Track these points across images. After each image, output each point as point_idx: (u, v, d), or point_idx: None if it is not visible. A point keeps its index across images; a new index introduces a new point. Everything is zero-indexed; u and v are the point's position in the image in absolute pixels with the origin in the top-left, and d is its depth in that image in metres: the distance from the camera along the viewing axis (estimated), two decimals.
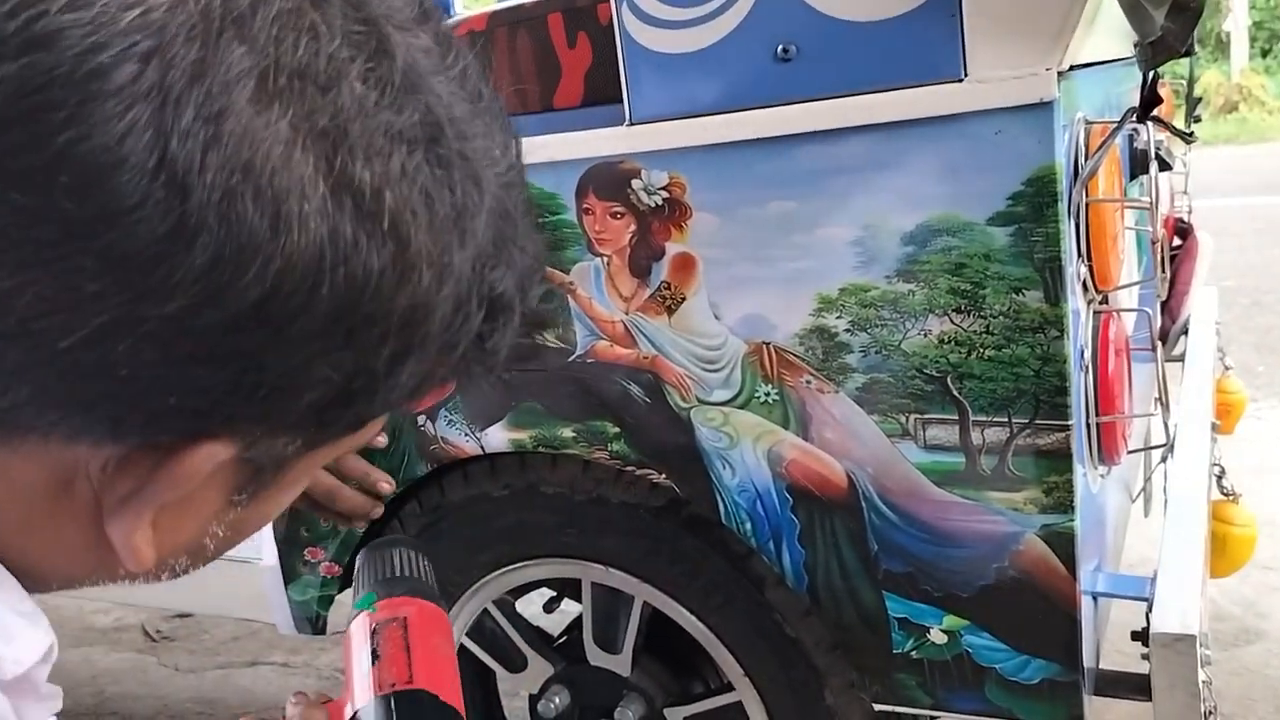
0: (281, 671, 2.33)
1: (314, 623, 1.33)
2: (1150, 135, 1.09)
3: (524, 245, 0.40)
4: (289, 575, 1.32)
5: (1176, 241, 2.00)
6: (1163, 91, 1.93)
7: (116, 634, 2.61)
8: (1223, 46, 13.48)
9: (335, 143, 0.32)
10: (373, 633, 0.58)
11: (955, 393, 0.92)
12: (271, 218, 0.31)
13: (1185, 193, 2.00)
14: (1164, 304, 1.93)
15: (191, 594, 1.52)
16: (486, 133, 0.38)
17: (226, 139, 0.30)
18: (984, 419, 0.92)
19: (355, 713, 0.56)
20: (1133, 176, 1.32)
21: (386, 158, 0.33)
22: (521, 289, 0.40)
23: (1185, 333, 1.84)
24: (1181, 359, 1.73)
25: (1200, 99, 1.92)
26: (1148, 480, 1.52)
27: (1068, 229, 0.88)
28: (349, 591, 1.36)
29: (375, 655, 0.57)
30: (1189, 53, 1.90)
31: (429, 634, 0.59)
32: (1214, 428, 1.53)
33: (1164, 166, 1.33)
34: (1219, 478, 1.50)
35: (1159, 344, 1.05)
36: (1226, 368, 1.91)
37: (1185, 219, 2.01)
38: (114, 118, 0.29)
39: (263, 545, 1.32)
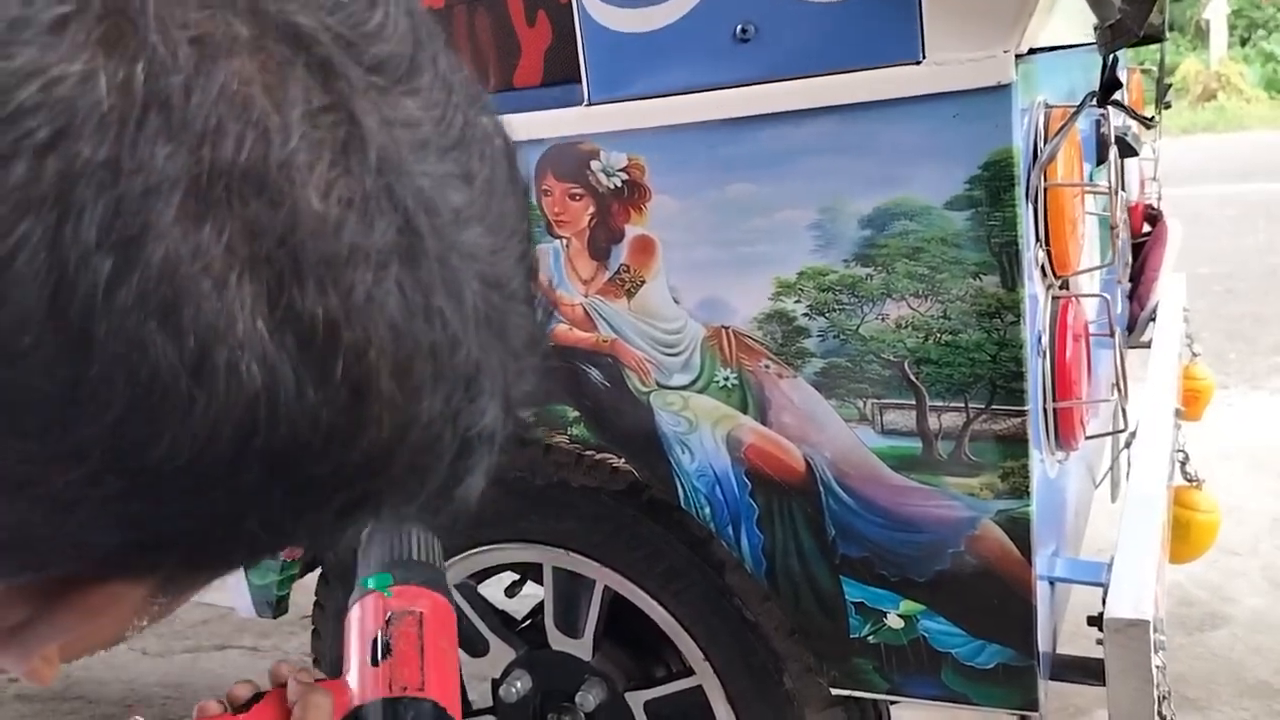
0: (250, 655, 2.32)
1: (274, 606, 1.32)
2: (1113, 121, 1.09)
3: (517, 353, 0.31)
4: None
5: (1146, 228, 2.01)
6: (1134, 78, 1.94)
7: None
8: (1202, 34, 13.54)
9: (283, 271, 0.25)
10: (387, 621, 0.56)
11: (912, 377, 0.92)
12: (193, 370, 0.25)
13: (1155, 179, 2.01)
14: (1132, 291, 1.94)
15: None
16: (482, 214, 0.30)
17: (142, 269, 0.24)
18: (941, 404, 0.91)
19: (361, 709, 0.54)
20: (1099, 162, 1.32)
21: (348, 285, 0.26)
22: (508, 411, 0.32)
23: (1153, 319, 1.85)
24: (1150, 345, 1.74)
25: (1171, 85, 1.93)
26: (1112, 466, 1.53)
27: (1025, 213, 0.87)
28: (311, 576, 1.35)
29: (388, 649, 0.55)
30: (1159, 38, 1.91)
31: (441, 635, 0.58)
32: (1178, 414, 1.54)
33: (1130, 152, 1.33)
34: (1183, 464, 1.51)
35: (1118, 330, 1.04)
36: (1194, 354, 1.92)
37: (1155, 205, 2.01)
38: None
39: None
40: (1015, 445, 0.89)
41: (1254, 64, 13.07)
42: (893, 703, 1.13)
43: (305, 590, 1.35)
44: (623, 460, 1.07)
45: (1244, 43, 13.58)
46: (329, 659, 1.39)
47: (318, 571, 1.35)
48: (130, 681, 2.27)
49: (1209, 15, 13.08)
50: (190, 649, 2.39)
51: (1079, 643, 1.10)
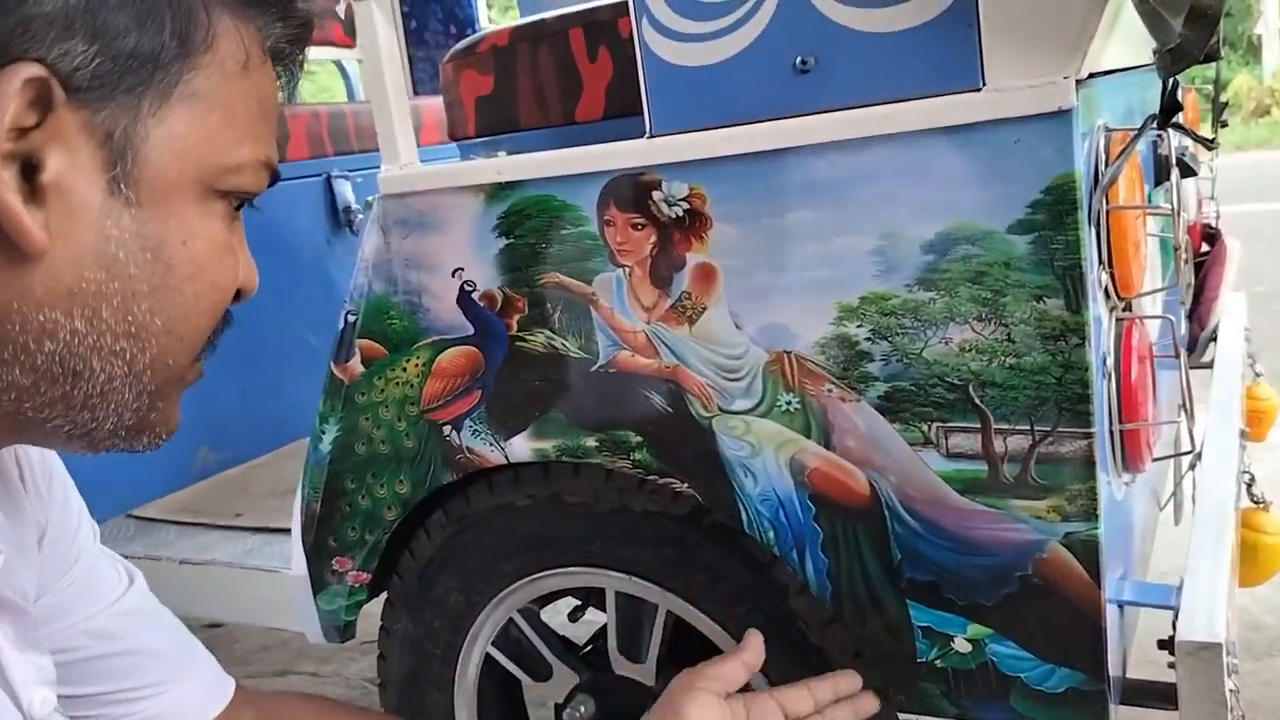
0: (312, 680, 2.35)
1: (342, 631, 1.35)
2: (1173, 142, 1.08)
3: None
4: (317, 584, 1.33)
5: (1205, 248, 1.99)
6: (1189, 97, 1.92)
7: None
8: (1254, 50, 13.34)
9: None
10: None
11: (977, 400, 0.92)
12: None
13: (1212, 198, 1.99)
14: (1192, 311, 1.92)
15: (221, 604, 1.54)
16: None
17: None
18: (1006, 427, 0.91)
19: None
20: (1157, 183, 1.32)
21: None
22: None
23: (1214, 339, 1.82)
24: (1211, 366, 1.72)
25: (1226, 104, 1.91)
26: (1176, 488, 1.51)
27: (1088, 236, 0.88)
28: (377, 600, 1.38)
29: None
30: (1215, 57, 1.89)
31: None
32: (1243, 434, 1.51)
33: (1188, 173, 1.32)
34: (1249, 485, 1.48)
35: (1182, 350, 1.04)
36: (1257, 374, 1.90)
37: (1213, 225, 1.99)
38: None
39: (291, 554, 1.34)
40: (1082, 467, 0.89)
41: None
42: None
43: (370, 616, 1.37)
44: (685, 485, 1.08)
45: None
46: (394, 684, 1.41)
47: (383, 596, 1.38)
48: None
49: (1260, 30, 12.89)
50: (253, 674, 2.42)
51: (1146, 668, 1.09)
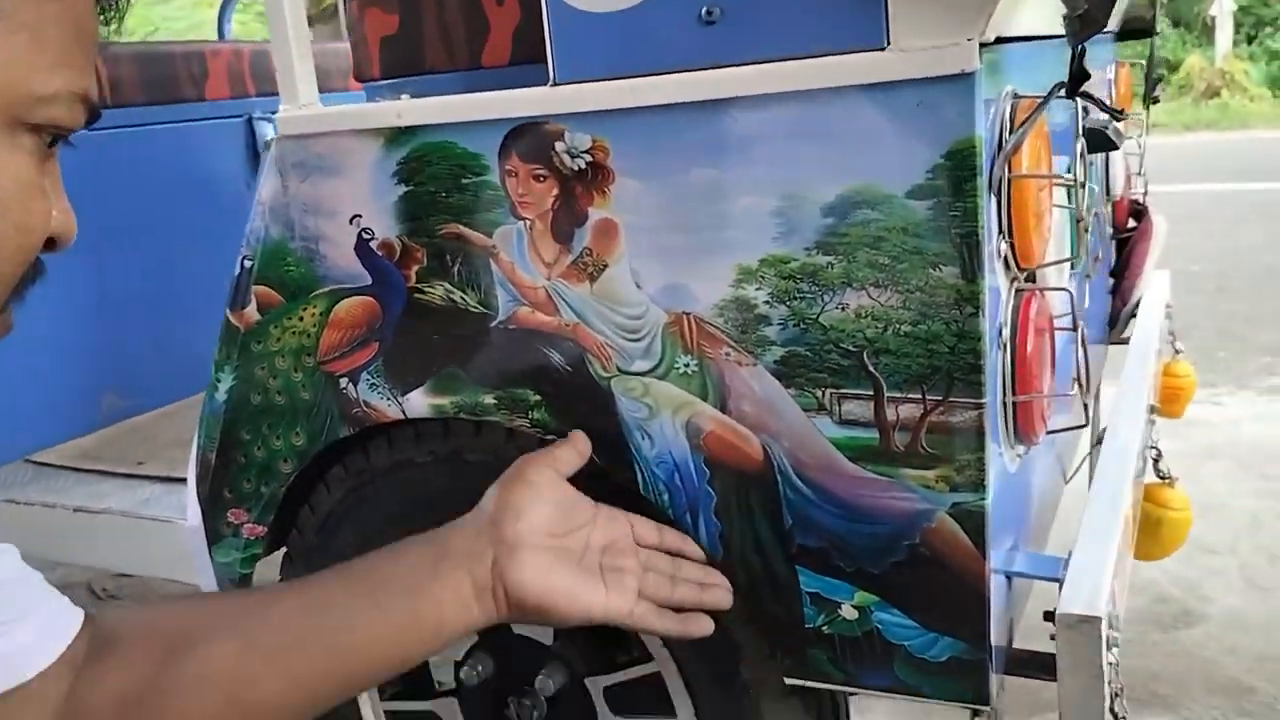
0: None
1: (238, 585, 1.32)
2: (1080, 112, 1.07)
3: None
4: (213, 536, 1.30)
5: (1131, 223, 2.00)
6: (1122, 71, 1.92)
7: (64, 590, 2.58)
8: (1207, 31, 13.48)
9: None
10: None
11: (871, 368, 0.91)
12: None
13: (1141, 174, 1.99)
14: (1115, 286, 1.93)
15: (117, 554, 1.50)
16: None
17: None
18: (899, 395, 0.91)
19: None
20: (1092, 151, 1.31)
21: None
22: None
23: (1134, 315, 1.84)
24: (1127, 341, 1.73)
25: (1160, 79, 1.91)
26: (1083, 462, 1.52)
27: (988, 205, 0.86)
28: (275, 555, 1.35)
29: None
30: (1150, 32, 1.89)
31: None
32: (1153, 410, 1.53)
33: (1109, 146, 1.31)
34: (1155, 460, 1.50)
35: (1081, 323, 1.03)
36: (1177, 351, 1.92)
37: (1140, 201, 2.00)
38: None
39: (187, 505, 1.31)
40: (972, 438, 0.89)
41: (1259, 62, 13.02)
42: (850, 693, 1.12)
43: (267, 568, 1.34)
44: None
45: (1250, 40, 13.52)
46: None
47: (282, 551, 1.35)
48: None
49: (1214, 11, 13.02)
50: None
51: (1040, 638, 1.10)
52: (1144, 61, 1.90)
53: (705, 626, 0.95)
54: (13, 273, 0.55)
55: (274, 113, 2.05)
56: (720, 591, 0.97)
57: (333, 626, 0.81)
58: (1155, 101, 1.87)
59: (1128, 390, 1.43)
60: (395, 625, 0.83)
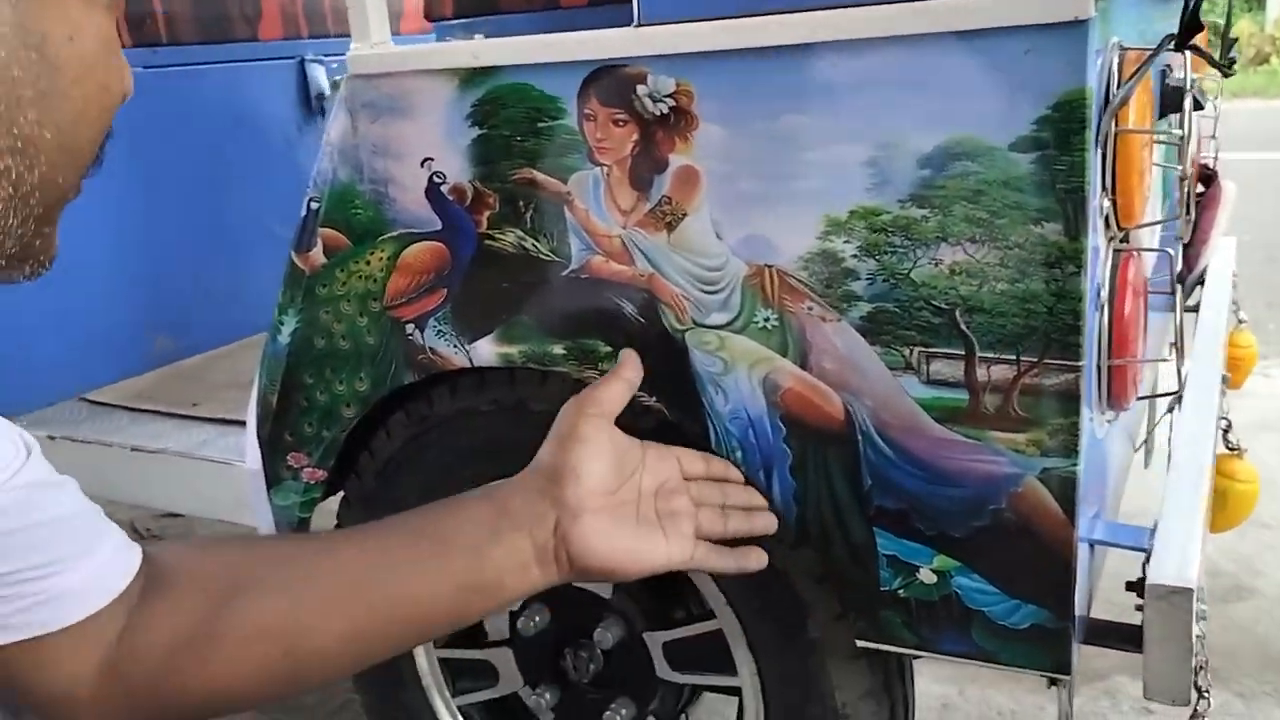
0: None
1: (296, 528, 1.31)
2: (1188, 66, 1.03)
3: None
4: (272, 479, 1.29)
5: (1200, 188, 1.94)
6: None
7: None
8: None
9: None
10: None
11: (963, 326, 0.88)
12: None
13: (1214, 138, 1.93)
14: (1184, 250, 1.88)
15: (173, 494, 1.50)
16: None
17: None
18: (991, 355, 0.88)
19: None
20: (1163, 114, 1.26)
21: None
22: None
23: (1200, 283, 1.79)
24: (1195, 309, 1.69)
25: (1236, 40, 1.84)
26: (1152, 430, 1.49)
27: (1094, 160, 0.83)
28: (333, 498, 1.34)
29: None
30: None
31: None
32: (1224, 381, 1.49)
33: (1197, 106, 1.26)
34: (1225, 431, 1.46)
35: (1179, 288, 1.00)
36: (1240, 321, 1.87)
37: (1211, 165, 1.94)
38: None
39: (246, 447, 1.30)
40: (1067, 401, 0.86)
41: None
42: (915, 657, 1.11)
43: (325, 513, 1.34)
44: (653, 399, 1.04)
45: None
46: None
47: (340, 495, 1.34)
48: None
49: None
50: None
51: (1106, 608, 1.08)
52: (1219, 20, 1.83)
53: (761, 560, 0.94)
54: (99, 136, 0.53)
55: (327, 55, 2.02)
56: (767, 516, 0.97)
57: (392, 581, 0.79)
58: (1232, 63, 1.80)
59: (1201, 359, 1.39)
60: (454, 584, 0.81)
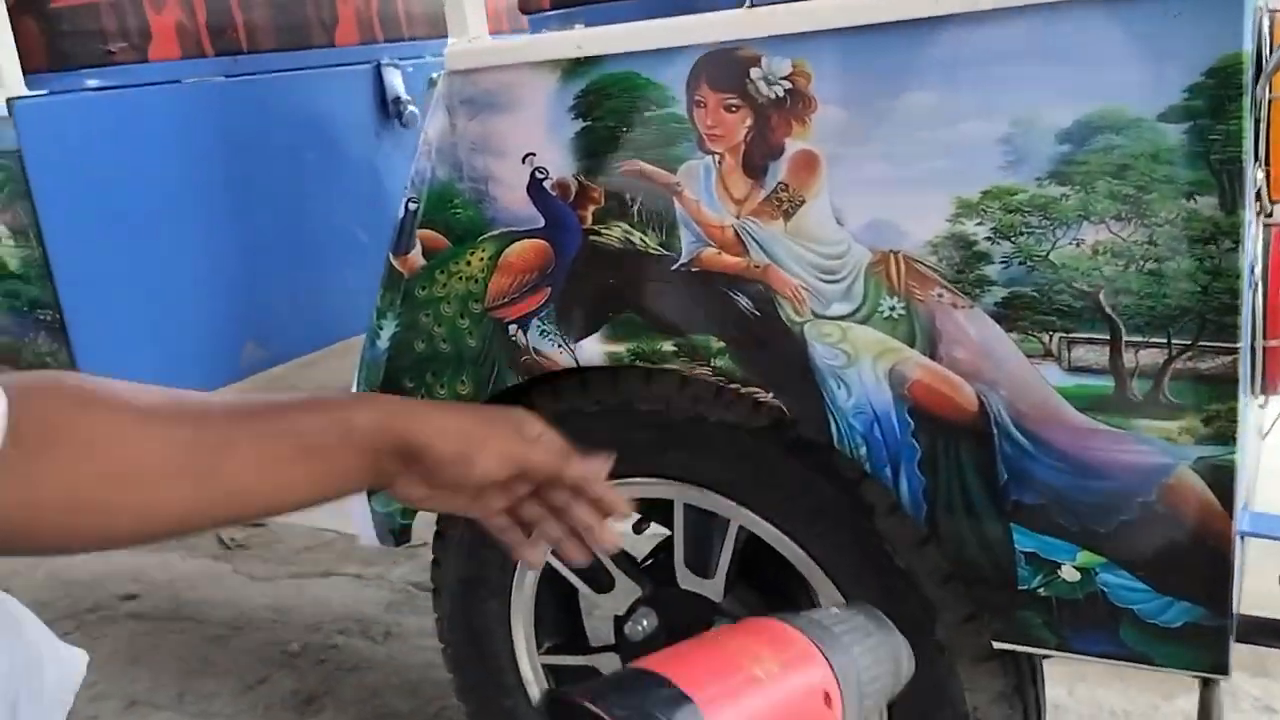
0: (355, 583, 2.34)
1: (397, 535, 1.30)
2: None
3: None
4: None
5: None
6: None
7: (192, 540, 2.64)
8: None
9: None
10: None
11: (1108, 309, 0.83)
12: None
13: None
14: None
15: None
16: None
17: None
18: (1139, 339, 0.83)
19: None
20: None
21: None
22: None
23: None
24: None
25: None
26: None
27: (1250, 127, 0.78)
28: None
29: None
30: None
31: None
32: None
33: None
34: None
35: None
36: None
37: None
38: None
39: None
40: (1224, 386, 0.81)
41: None
42: (1046, 658, 1.06)
43: (423, 520, 1.32)
44: (769, 395, 1.01)
45: None
46: (449, 589, 1.36)
47: None
48: (238, 605, 2.31)
49: None
50: (295, 575, 2.41)
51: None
52: None
53: (538, 560, 0.81)
54: None
55: (402, 59, 2.02)
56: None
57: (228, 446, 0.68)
58: None
59: None
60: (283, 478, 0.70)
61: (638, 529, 1.45)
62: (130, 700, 1.75)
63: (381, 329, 1.19)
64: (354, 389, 1.24)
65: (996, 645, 0.97)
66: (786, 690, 0.65)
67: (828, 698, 0.66)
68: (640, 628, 1.25)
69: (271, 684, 1.97)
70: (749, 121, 0.93)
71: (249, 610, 2.27)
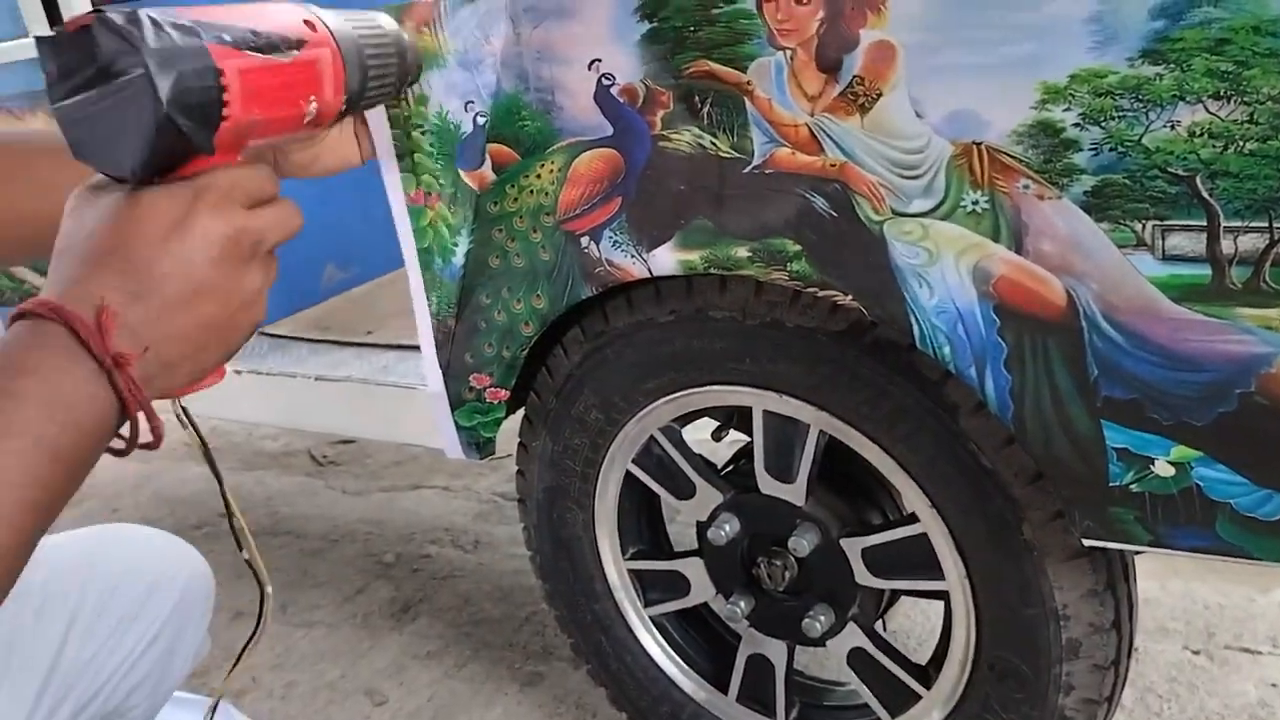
0: (443, 495, 2.40)
1: (481, 448, 1.32)
2: None
3: None
4: (455, 401, 1.30)
5: None
6: None
7: (286, 458, 2.74)
8: None
9: None
10: None
11: (1205, 194, 0.79)
12: None
13: None
14: None
15: (356, 420, 1.54)
16: None
17: None
18: (1238, 224, 0.79)
19: None
20: None
21: None
22: None
23: None
24: None
25: None
26: None
27: None
28: (515, 416, 1.35)
29: None
30: None
31: None
32: None
33: None
34: None
35: None
36: None
37: None
38: None
39: (426, 371, 1.31)
40: None
41: None
42: (1138, 554, 1.05)
43: (506, 433, 1.34)
44: (848, 297, 0.99)
45: None
46: (534, 499, 1.39)
47: (521, 413, 1.34)
48: (333, 519, 2.39)
49: None
50: (386, 489, 2.49)
51: None
52: None
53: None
54: None
55: None
56: None
57: None
58: None
59: None
60: None
61: (716, 436, 1.45)
62: (236, 612, 1.84)
63: (456, 246, 1.20)
64: (425, 309, 1.25)
65: (1087, 543, 0.96)
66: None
67: (310, 25, 0.70)
68: (723, 533, 1.26)
69: (369, 593, 2.05)
70: (821, 13, 0.90)
71: (343, 524, 2.35)
